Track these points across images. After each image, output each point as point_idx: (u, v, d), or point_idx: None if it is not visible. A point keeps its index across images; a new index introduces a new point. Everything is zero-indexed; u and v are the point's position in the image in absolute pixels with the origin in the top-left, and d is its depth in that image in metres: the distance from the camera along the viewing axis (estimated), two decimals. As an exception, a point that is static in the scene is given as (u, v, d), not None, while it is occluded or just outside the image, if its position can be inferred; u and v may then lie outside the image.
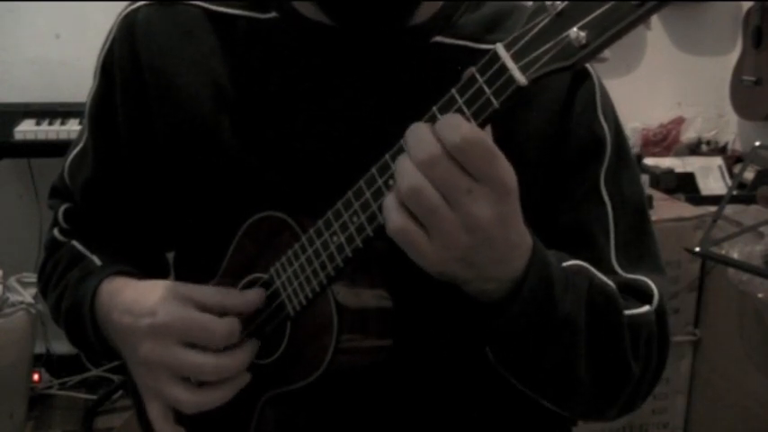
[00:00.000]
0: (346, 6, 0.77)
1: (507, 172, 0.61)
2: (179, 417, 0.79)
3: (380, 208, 0.65)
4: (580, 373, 0.72)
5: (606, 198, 0.81)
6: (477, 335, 0.72)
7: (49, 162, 2.35)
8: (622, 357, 0.75)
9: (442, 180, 0.59)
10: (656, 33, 3.00)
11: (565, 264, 0.73)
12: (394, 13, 0.78)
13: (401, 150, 0.63)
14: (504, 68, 0.59)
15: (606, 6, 0.55)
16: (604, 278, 0.76)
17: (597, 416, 0.81)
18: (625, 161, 0.84)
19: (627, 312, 0.76)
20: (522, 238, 0.66)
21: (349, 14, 0.77)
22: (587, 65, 0.81)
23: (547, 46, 0.57)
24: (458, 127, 0.58)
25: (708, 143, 3.04)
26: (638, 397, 0.80)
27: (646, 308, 0.78)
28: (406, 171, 0.60)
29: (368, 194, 0.65)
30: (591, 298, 0.72)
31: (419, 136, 0.60)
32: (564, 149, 0.80)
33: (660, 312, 0.79)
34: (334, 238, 0.69)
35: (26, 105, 2.53)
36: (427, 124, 0.61)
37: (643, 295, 0.79)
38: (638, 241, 0.83)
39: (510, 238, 0.64)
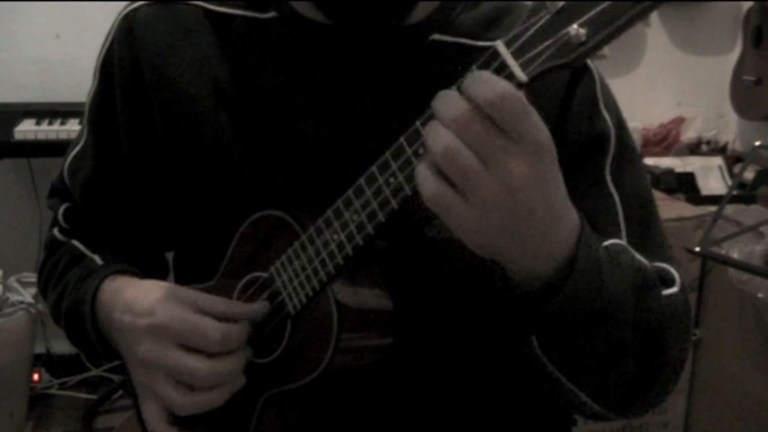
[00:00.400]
0: (343, 5, 0.77)
1: (542, 130, 0.59)
2: (176, 416, 0.79)
3: (380, 205, 0.65)
4: (627, 354, 0.71)
5: (613, 190, 0.81)
6: (519, 326, 0.69)
7: (49, 162, 2.35)
8: (663, 338, 0.74)
9: (476, 138, 0.57)
10: (656, 33, 3.00)
11: (606, 243, 0.72)
12: (391, 12, 0.78)
13: (401, 149, 0.63)
14: (504, 65, 0.59)
15: (605, 4, 0.55)
16: (642, 258, 0.75)
17: (625, 407, 0.77)
18: (629, 154, 0.83)
19: (663, 293, 0.75)
20: (567, 211, 0.64)
21: (346, 13, 0.77)
22: (587, 60, 0.82)
23: (546, 43, 0.58)
24: (490, 81, 0.57)
25: (708, 143, 3.04)
26: (668, 386, 0.78)
27: (675, 289, 0.77)
28: (439, 134, 0.58)
29: (368, 193, 0.65)
30: (635, 279, 0.71)
31: (450, 97, 0.58)
32: (567, 144, 0.80)
33: (684, 295, 0.78)
34: (335, 236, 0.69)
35: (26, 105, 2.53)
36: (453, 90, 0.59)
37: (666, 281, 0.78)
38: (649, 232, 0.83)
39: (552, 206, 0.61)
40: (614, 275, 0.68)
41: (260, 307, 0.76)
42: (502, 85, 0.57)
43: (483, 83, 0.57)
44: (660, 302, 0.74)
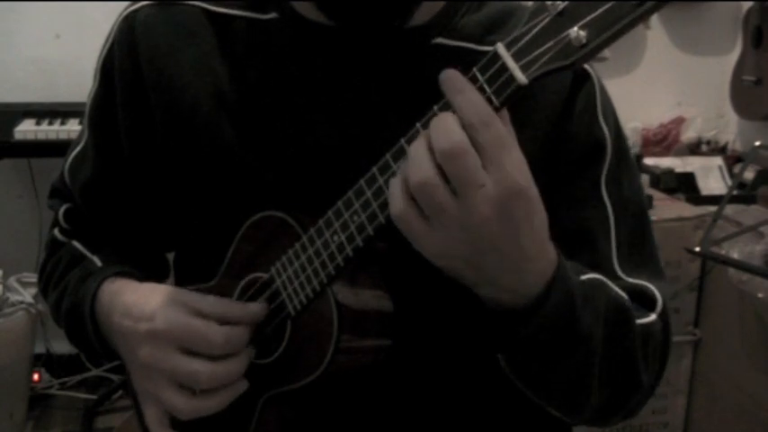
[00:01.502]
0: (346, 6, 0.77)
1: (522, 168, 0.60)
2: (176, 420, 0.79)
3: (381, 207, 0.65)
4: (593, 385, 0.72)
5: (607, 200, 0.81)
6: (490, 341, 0.71)
7: (49, 162, 2.35)
8: (634, 368, 0.75)
9: (460, 172, 0.58)
10: (656, 33, 3.00)
11: (583, 277, 0.72)
12: (393, 13, 0.78)
13: (402, 150, 0.63)
14: (504, 68, 0.59)
15: (606, 6, 0.55)
16: (619, 291, 0.75)
17: (601, 423, 0.80)
18: (626, 164, 0.83)
19: (638, 322, 0.76)
20: (541, 252, 0.65)
21: (344, 13, 0.77)
22: (588, 67, 0.82)
23: (547, 45, 0.58)
24: (477, 104, 0.58)
25: (708, 143, 3.04)
26: (641, 404, 0.80)
27: (653, 317, 0.78)
28: (421, 162, 0.59)
29: (368, 194, 0.65)
30: (608, 313, 0.72)
31: (447, 125, 0.59)
32: (564, 152, 0.80)
33: (664, 319, 0.79)
34: (335, 238, 0.69)
35: (26, 105, 2.53)
36: (451, 115, 0.60)
37: (647, 301, 0.79)
38: (640, 245, 0.83)
39: (523, 247, 0.62)
40: (586, 313, 0.69)
41: (259, 308, 0.76)
42: (486, 110, 0.58)
43: (467, 105, 0.58)
44: (633, 334, 0.75)
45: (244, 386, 0.76)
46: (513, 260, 0.62)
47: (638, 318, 0.76)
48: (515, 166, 0.59)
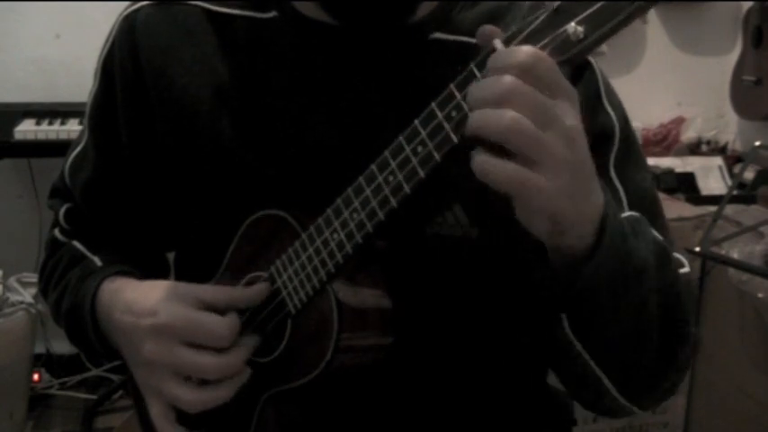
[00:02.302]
0: (348, 5, 0.77)
1: (570, 85, 0.59)
2: (180, 416, 0.79)
3: (380, 204, 0.65)
4: (652, 326, 0.71)
5: (618, 184, 0.80)
6: (556, 302, 0.68)
7: (49, 162, 2.35)
8: (683, 310, 0.74)
9: (529, 104, 0.56)
10: (656, 33, 3.01)
11: (624, 215, 0.71)
12: (395, 12, 0.78)
13: (401, 148, 0.63)
14: None
15: (603, 1, 0.55)
16: (656, 233, 0.75)
17: (645, 395, 0.77)
18: (634, 148, 0.83)
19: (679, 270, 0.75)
20: (594, 171, 0.64)
21: (350, 13, 0.77)
22: (589, 57, 0.81)
23: (545, 41, 0.58)
24: (517, 49, 0.57)
25: (708, 143, 3.04)
26: (687, 364, 0.78)
27: (686, 269, 0.78)
28: (493, 116, 0.57)
29: (368, 191, 0.65)
30: (655, 246, 0.71)
31: (487, 81, 0.58)
32: None
33: (693, 278, 0.78)
34: (335, 236, 0.69)
35: (26, 105, 2.53)
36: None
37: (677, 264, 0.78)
38: (654, 226, 0.83)
39: (590, 160, 0.62)
40: (638, 242, 0.68)
41: (258, 290, 0.76)
42: (527, 49, 0.57)
43: (511, 53, 0.57)
44: (677, 274, 0.74)
45: (247, 375, 0.76)
46: (589, 176, 0.62)
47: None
48: (567, 82, 0.59)
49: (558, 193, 0.58)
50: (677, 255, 0.79)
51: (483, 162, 0.58)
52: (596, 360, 0.71)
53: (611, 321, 0.69)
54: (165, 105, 0.83)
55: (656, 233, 0.74)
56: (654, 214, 0.82)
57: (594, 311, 0.68)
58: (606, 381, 0.72)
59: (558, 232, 0.62)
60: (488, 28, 0.60)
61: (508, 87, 0.56)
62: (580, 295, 0.66)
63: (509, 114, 0.56)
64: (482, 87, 0.58)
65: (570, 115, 0.58)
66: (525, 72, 0.56)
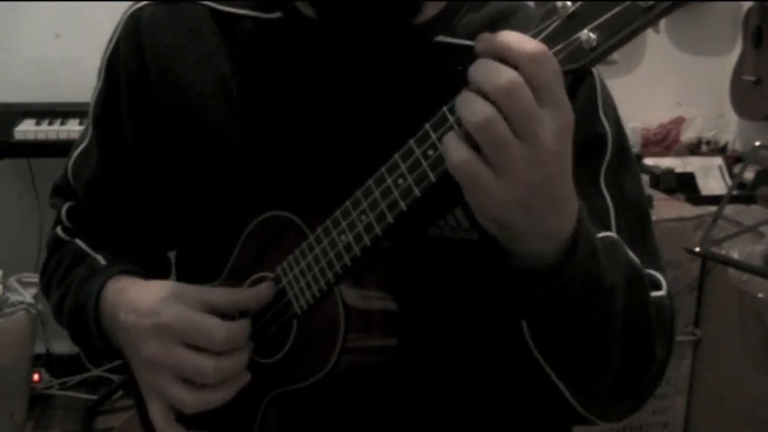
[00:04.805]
0: (348, 7, 0.77)
1: (568, 103, 0.58)
2: (182, 416, 0.79)
3: (389, 207, 0.65)
4: (613, 350, 0.71)
5: (606, 194, 0.80)
6: (516, 309, 0.69)
7: (49, 162, 2.35)
8: (649, 334, 0.74)
9: (515, 109, 0.56)
10: (656, 33, 3.00)
11: (600, 235, 0.71)
12: (399, 14, 0.78)
13: (410, 150, 0.63)
14: None
15: (617, 9, 0.55)
16: (632, 255, 0.75)
17: (614, 405, 0.78)
18: (626, 162, 0.83)
19: (652, 294, 0.75)
20: (572, 195, 0.64)
21: (350, 15, 0.77)
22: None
23: (558, 47, 0.58)
24: (529, 41, 0.56)
25: (708, 143, 3.04)
26: (652, 384, 0.79)
27: (662, 292, 0.78)
28: (476, 103, 0.57)
29: (376, 193, 0.65)
30: (627, 270, 0.71)
31: (492, 67, 0.57)
32: None
33: (671, 299, 0.79)
34: (342, 237, 0.69)
35: (26, 105, 2.53)
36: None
37: (654, 285, 0.78)
38: (641, 239, 0.83)
39: (566, 188, 0.61)
40: (609, 265, 0.68)
41: (268, 288, 0.76)
42: (540, 44, 0.56)
43: (525, 41, 0.56)
44: (649, 298, 0.74)
45: (247, 378, 0.76)
46: (558, 201, 0.61)
47: (652, 291, 0.76)
48: (566, 98, 0.58)
49: (508, 202, 0.59)
50: (657, 275, 0.80)
51: (447, 139, 0.59)
52: (555, 372, 0.72)
53: (568, 339, 0.69)
54: (169, 104, 0.83)
55: (631, 256, 0.74)
56: (642, 228, 0.83)
57: (552, 327, 0.69)
58: (567, 394, 0.74)
59: (510, 239, 0.63)
60: (487, 37, 0.59)
61: (505, 84, 0.56)
62: (537, 307, 0.67)
63: (486, 110, 0.56)
64: (485, 71, 0.57)
65: (553, 139, 0.57)
66: (531, 62, 0.56)
